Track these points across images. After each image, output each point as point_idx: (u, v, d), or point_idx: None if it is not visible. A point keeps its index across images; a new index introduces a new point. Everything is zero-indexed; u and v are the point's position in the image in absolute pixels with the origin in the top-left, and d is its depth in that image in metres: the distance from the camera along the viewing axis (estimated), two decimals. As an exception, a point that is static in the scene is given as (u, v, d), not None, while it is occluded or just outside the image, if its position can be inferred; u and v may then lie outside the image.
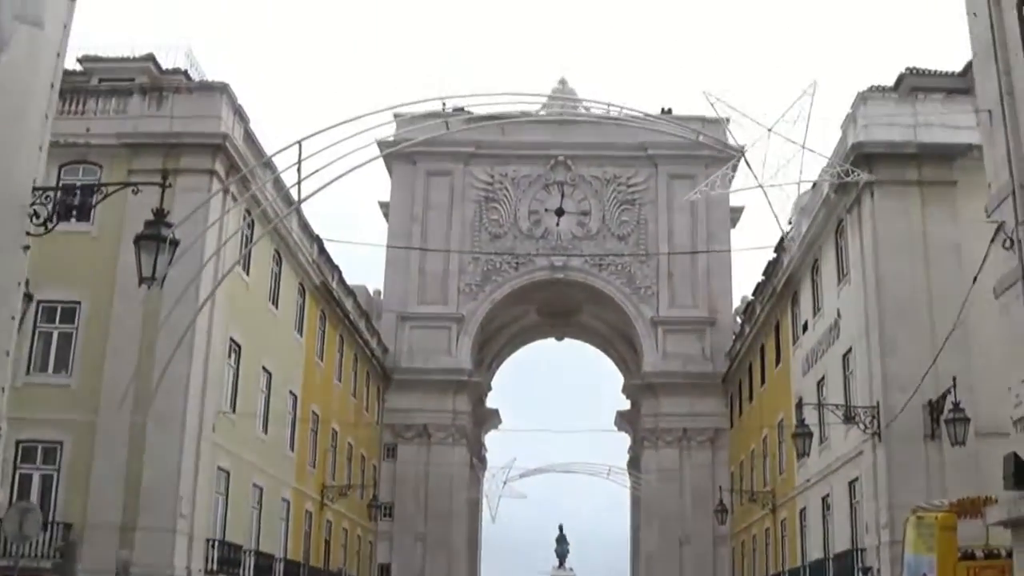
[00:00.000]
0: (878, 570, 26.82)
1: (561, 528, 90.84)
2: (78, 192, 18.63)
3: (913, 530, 18.90)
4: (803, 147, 18.69)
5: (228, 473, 31.92)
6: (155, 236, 14.20)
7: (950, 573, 17.07)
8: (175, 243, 14.47)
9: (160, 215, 14.42)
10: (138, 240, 14.42)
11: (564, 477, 60.29)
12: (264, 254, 35.06)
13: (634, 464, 59.43)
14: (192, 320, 24.42)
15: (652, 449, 53.15)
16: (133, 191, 15.53)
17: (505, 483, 45.50)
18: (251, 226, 32.23)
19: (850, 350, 31.20)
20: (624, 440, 65.96)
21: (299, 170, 16.69)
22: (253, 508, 34.41)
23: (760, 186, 19.02)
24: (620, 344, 60.42)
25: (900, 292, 28.00)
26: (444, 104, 18.11)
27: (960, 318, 22.47)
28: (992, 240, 15.75)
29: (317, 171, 17.46)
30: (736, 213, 57.74)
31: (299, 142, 17.30)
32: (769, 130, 18.84)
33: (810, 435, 29.34)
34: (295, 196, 17.38)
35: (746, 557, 47.32)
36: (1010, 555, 17.39)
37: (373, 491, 49.22)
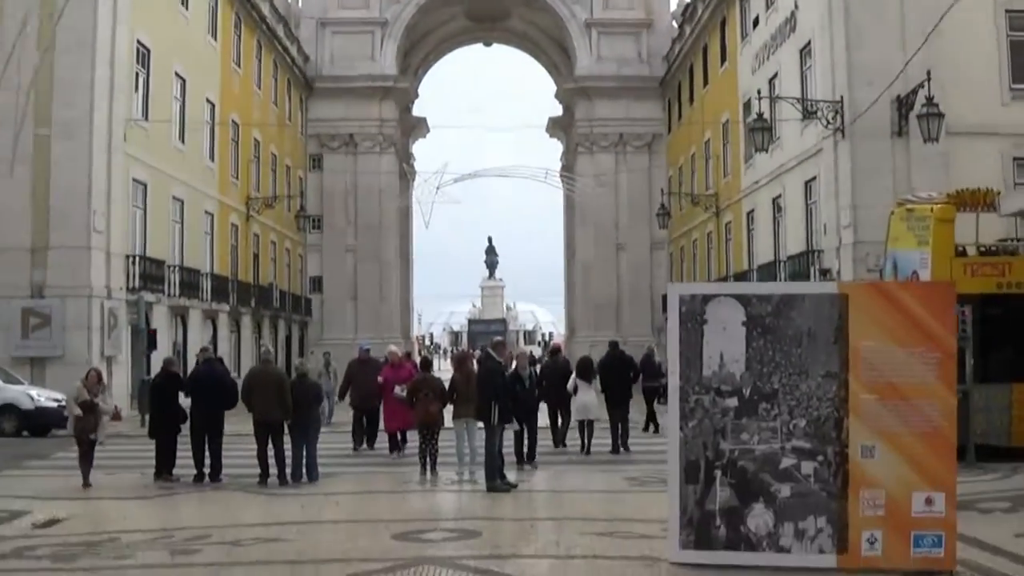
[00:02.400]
0: (838, 271, 25.78)
1: (490, 239, 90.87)
2: None
3: (900, 223, 17.44)
4: None
5: (145, 185, 30.00)
6: None
7: (946, 269, 15.55)
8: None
9: None
10: None
11: (496, 186, 59.28)
12: (170, -50, 31.82)
13: (568, 171, 57.87)
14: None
15: (587, 155, 51.56)
16: None
17: (438, 188, 43.24)
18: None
19: (808, 44, 29.24)
20: (557, 148, 64.31)
21: None
22: (174, 222, 32.65)
23: None
24: (552, 49, 57.69)
25: (870, -23, 25.71)
26: None
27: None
28: None
29: None
30: (676, -94, 54.15)
31: None
32: None
33: (768, 129, 27.57)
34: None
35: (686, 262, 46.62)
36: (1008, 252, 16.22)
37: (300, 202, 47.21)
